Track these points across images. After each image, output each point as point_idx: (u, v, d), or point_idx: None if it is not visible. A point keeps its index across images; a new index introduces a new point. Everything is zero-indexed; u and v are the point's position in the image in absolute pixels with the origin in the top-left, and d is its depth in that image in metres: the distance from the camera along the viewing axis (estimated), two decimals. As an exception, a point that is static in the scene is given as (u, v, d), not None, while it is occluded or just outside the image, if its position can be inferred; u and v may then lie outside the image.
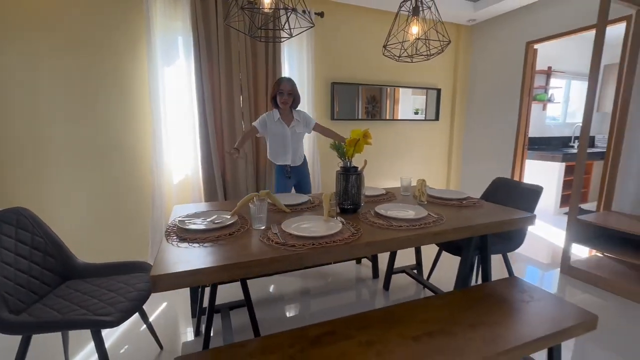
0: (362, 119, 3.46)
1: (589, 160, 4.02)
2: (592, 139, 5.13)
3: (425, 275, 2.32)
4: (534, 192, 1.81)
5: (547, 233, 3.45)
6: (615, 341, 1.69)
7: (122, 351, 1.62)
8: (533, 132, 4.69)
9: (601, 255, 2.59)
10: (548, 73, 4.59)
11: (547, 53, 4.50)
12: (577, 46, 4.71)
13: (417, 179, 3.58)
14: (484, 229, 1.41)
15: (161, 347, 1.64)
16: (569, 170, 4.42)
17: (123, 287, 1.41)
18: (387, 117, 3.61)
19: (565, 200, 4.36)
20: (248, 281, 2.30)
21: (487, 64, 3.63)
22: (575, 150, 4.40)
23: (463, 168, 4.05)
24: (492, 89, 3.58)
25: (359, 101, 3.39)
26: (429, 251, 2.75)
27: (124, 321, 1.21)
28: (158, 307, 2.03)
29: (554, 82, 4.83)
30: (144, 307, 1.51)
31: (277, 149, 2.34)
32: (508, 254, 2.20)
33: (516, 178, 3.43)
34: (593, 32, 2.87)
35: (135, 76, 2.47)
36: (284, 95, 2.22)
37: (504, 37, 3.41)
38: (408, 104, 3.73)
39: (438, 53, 1.78)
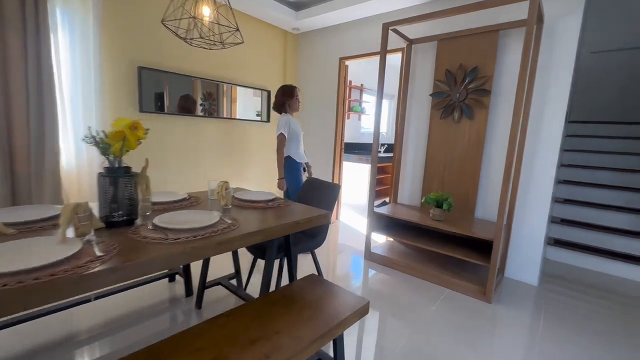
0: (199, 116, 3.19)
1: (388, 163, 4.99)
2: (392, 146, 6.39)
3: (244, 283, 2.19)
4: (333, 190, 1.97)
5: (363, 226, 4.04)
6: (403, 310, 2.02)
7: None
8: (351, 139, 5.47)
9: (392, 240, 3.18)
10: (361, 89, 5.45)
11: (361, 71, 5.33)
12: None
13: (243, 182, 3.61)
14: (280, 231, 1.36)
15: None
16: (380, 171, 5.38)
17: None
18: (225, 116, 3.36)
19: (377, 196, 5.29)
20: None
21: (311, 72, 3.92)
22: (382, 155, 5.40)
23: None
24: (316, 97, 3.89)
25: (195, 95, 3.13)
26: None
27: None
28: None
29: (366, 97, 5.78)
30: None
31: (299, 148, 2.67)
32: (317, 250, 2.34)
33: (335, 179, 3.84)
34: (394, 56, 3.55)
35: None
36: (298, 100, 2.68)
37: (323, 50, 3.76)
38: (250, 104, 3.60)
39: (236, 43, 1.66)
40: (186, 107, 3.05)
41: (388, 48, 3.05)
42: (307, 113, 3.99)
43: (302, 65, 3.99)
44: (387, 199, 3.27)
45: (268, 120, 3.80)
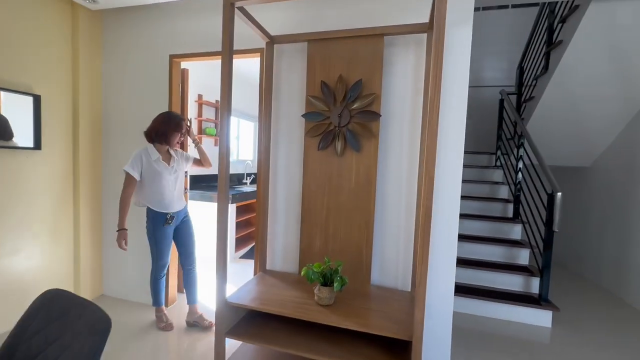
0: None
1: (254, 200, 3.98)
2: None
3: None
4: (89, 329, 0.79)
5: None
6: None
7: None
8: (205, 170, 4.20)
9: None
10: (216, 106, 4.32)
11: (215, 83, 4.22)
12: (241, 86, 4.85)
13: None
14: None
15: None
16: (247, 209, 4.28)
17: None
18: None
19: (240, 243, 4.15)
20: None
21: (125, 72, 2.55)
22: (248, 188, 4.34)
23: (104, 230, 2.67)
24: (136, 111, 2.53)
25: None
26: None
27: None
28: None
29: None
30: None
31: (163, 195, 2.12)
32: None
33: (174, 234, 2.54)
34: (251, 61, 2.58)
35: None
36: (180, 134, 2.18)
37: (144, 41, 2.48)
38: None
39: None
40: None
41: (242, 47, 2.11)
42: (122, 136, 2.57)
43: (110, 60, 2.57)
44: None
45: (38, 147, 2.19)
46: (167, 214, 2.14)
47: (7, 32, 2.02)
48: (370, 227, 1.88)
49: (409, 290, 1.89)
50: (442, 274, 1.80)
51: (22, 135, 2.11)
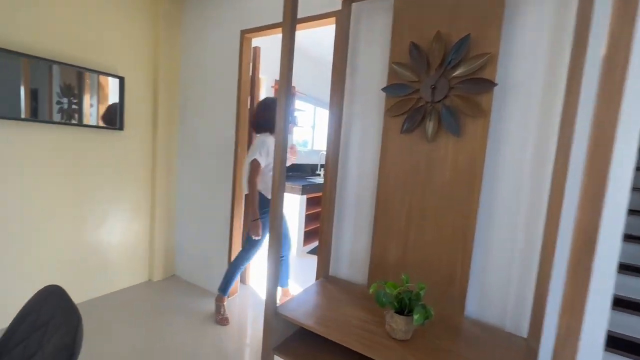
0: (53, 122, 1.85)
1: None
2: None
3: None
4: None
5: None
6: None
7: None
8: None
9: None
10: (292, 93, 4.16)
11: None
12: (318, 71, 4.61)
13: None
14: None
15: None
16: (315, 203, 4.07)
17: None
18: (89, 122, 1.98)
19: (309, 237, 3.94)
20: None
21: (199, 52, 2.50)
22: (320, 180, 4.11)
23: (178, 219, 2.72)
24: (209, 91, 2.46)
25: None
26: None
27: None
28: None
29: (301, 104, 4.52)
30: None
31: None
32: None
33: (237, 219, 2.41)
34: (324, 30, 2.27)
35: None
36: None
37: (217, 18, 2.37)
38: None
39: None
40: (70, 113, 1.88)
41: (312, 13, 1.80)
42: (198, 117, 2.55)
43: (188, 39, 2.55)
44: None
45: (121, 128, 2.26)
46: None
47: (94, 14, 2.10)
48: (469, 238, 1.37)
49: (524, 336, 1.33)
50: (589, 319, 1.19)
51: (104, 115, 2.20)
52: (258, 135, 2.17)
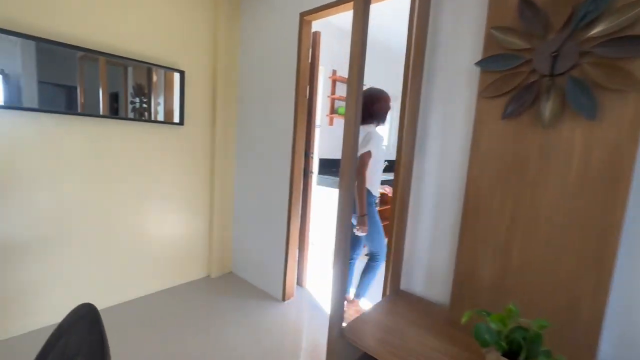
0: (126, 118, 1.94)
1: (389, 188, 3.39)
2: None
3: None
4: None
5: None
6: None
7: None
8: (334, 153, 3.89)
9: None
10: (351, 85, 3.90)
11: (346, 59, 3.81)
12: (382, 59, 4.29)
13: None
14: None
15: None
16: (382, 201, 3.76)
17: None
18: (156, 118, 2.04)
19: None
20: None
21: (259, 39, 2.37)
22: (385, 176, 3.80)
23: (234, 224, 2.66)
24: (267, 81, 2.34)
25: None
26: None
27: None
28: None
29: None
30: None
31: (376, 175, 2.04)
32: None
33: (294, 222, 2.25)
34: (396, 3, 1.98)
35: None
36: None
37: (277, 1, 2.22)
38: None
39: None
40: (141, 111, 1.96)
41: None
42: (256, 111, 2.44)
43: (247, 28, 2.44)
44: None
45: (181, 123, 2.25)
46: (375, 197, 2.06)
47: (161, 12, 2.08)
48: (607, 265, 0.99)
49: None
50: None
51: (164, 111, 2.20)
52: (362, 126, 2.04)
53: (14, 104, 1.49)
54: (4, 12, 1.51)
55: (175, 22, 2.17)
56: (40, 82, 1.56)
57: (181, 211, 2.38)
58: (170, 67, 2.15)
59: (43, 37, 1.60)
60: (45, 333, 1.21)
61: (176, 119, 2.22)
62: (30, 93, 1.52)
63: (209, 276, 2.60)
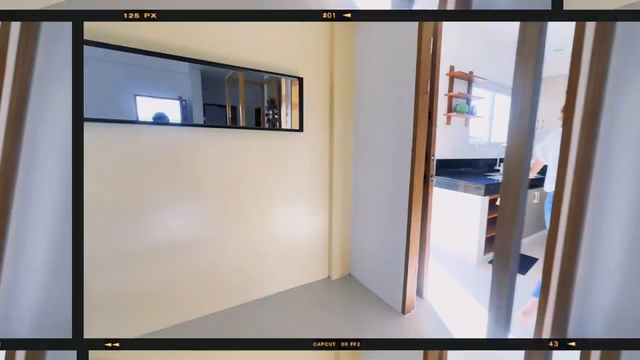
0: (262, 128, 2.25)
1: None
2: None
3: None
4: None
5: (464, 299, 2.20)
6: None
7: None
8: (452, 154, 3.59)
9: None
10: (470, 79, 3.56)
11: (469, 51, 3.47)
12: (505, 52, 3.79)
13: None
14: None
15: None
16: (493, 206, 3.32)
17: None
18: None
19: (490, 243, 3.23)
20: None
21: (374, 44, 2.36)
22: (498, 178, 3.34)
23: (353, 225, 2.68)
24: (383, 78, 2.29)
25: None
26: None
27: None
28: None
29: (478, 91, 3.83)
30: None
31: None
32: None
33: (415, 227, 2.13)
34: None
35: None
36: None
37: None
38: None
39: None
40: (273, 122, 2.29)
41: None
42: (371, 115, 2.44)
43: (362, 35, 2.46)
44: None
45: (301, 129, 2.39)
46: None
47: (289, 28, 2.27)
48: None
49: None
50: None
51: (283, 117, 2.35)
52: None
53: (187, 122, 1.87)
54: (178, 42, 1.84)
55: (296, 35, 2.31)
56: (205, 104, 1.91)
57: (302, 213, 2.54)
58: (290, 74, 2.28)
59: (206, 59, 1.91)
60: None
61: (296, 126, 2.37)
62: (198, 112, 1.88)
63: (329, 277, 2.69)
